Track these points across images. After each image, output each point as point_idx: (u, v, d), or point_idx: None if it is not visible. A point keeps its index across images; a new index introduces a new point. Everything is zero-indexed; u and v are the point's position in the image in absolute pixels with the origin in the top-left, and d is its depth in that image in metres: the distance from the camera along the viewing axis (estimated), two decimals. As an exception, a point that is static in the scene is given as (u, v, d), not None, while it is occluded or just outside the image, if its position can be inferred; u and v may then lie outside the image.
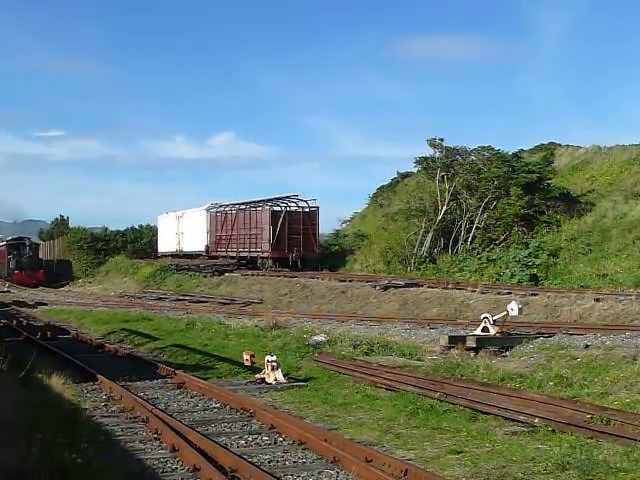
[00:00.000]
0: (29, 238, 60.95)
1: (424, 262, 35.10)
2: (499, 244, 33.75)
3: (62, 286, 54.31)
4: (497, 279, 28.55)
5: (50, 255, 62.44)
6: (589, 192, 37.62)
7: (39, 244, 62.95)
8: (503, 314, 15.75)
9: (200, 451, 8.35)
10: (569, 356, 13.43)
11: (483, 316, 16.21)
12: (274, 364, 13.32)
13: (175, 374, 13.94)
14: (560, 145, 48.96)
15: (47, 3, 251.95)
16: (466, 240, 35.75)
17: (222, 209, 45.88)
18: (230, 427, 10.11)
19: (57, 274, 58.21)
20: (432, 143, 38.28)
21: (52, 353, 17.09)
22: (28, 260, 56.73)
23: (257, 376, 13.53)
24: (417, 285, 27.93)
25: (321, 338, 17.09)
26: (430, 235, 36.48)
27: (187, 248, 49.30)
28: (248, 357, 14.21)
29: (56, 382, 11.89)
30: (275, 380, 13.19)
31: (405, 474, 7.36)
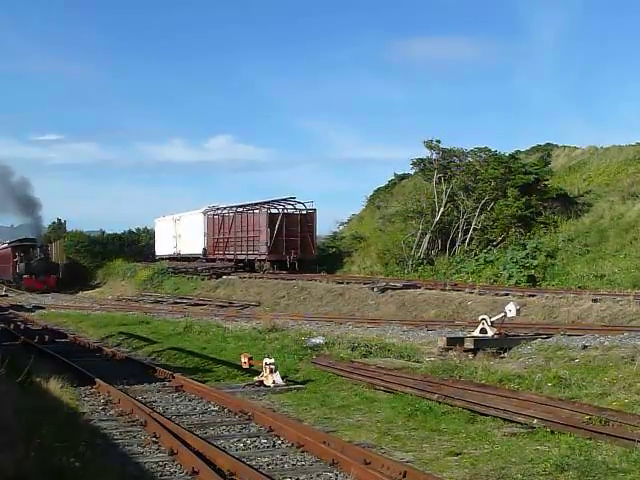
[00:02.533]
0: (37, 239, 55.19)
1: (421, 264, 35.10)
2: (496, 245, 33.76)
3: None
4: (495, 280, 28.57)
5: None
6: (586, 193, 37.64)
7: (49, 246, 56.54)
8: (501, 315, 15.75)
9: (198, 454, 8.34)
10: (567, 357, 13.45)
11: (481, 317, 16.22)
12: (272, 367, 13.31)
13: (173, 377, 13.92)
14: (557, 146, 48.95)
15: (43, 5, 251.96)
16: (463, 241, 35.77)
17: (219, 212, 45.87)
18: (228, 430, 10.10)
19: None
20: (429, 145, 38.31)
21: (50, 357, 17.07)
22: (39, 264, 51.33)
23: (255, 379, 13.52)
24: (415, 287, 27.94)
25: (319, 340, 17.09)
26: (427, 237, 36.51)
27: (185, 251, 49.28)
28: (246, 360, 14.19)
29: (54, 386, 11.86)
30: (273, 383, 13.18)
31: (404, 476, 7.35)
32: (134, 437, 9.66)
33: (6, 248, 57.19)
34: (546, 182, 36.87)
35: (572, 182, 40.16)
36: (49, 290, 49.12)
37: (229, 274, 40.69)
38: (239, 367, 14.65)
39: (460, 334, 17.23)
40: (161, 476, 7.92)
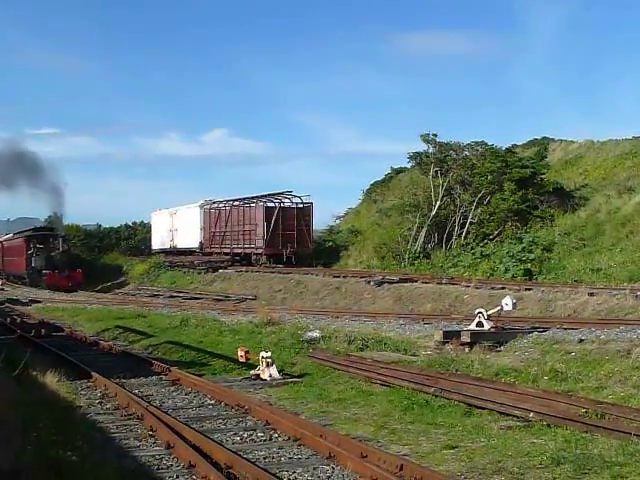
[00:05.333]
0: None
1: (418, 257, 35.10)
2: (493, 239, 33.78)
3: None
4: (491, 274, 28.59)
5: None
6: (582, 187, 37.68)
7: (67, 235, 47.66)
8: (497, 309, 15.76)
9: (195, 448, 8.34)
10: (563, 350, 13.46)
11: (477, 311, 16.23)
12: (269, 360, 13.31)
13: (170, 371, 13.92)
14: (553, 140, 48.97)
15: (40, 0, 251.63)
16: (460, 235, 35.76)
17: (216, 206, 45.80)
18: (225, 423, 10.11)
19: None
20: (425, 138, 38.25)
21: (46, 351, 17.04)
22: (63, 257, 43.35)
23: (252, 372, 13.52)
24: (411, 280, 27.97)
25: (315, 334, 17.09)
26: (424, 230, 36.49)
27: (181, 245, 49.20)
28: (243, 353, 14.21)
29: (51, 380, 11.85)
30: (270, 376, 13.18)
31: (400, 469, 7.37)
32: (131, 431, 9.66)
33: (17, 238, 48.76)
34: (542, 176, 36.88)
35: (568, 176, 40.19)
36: (76, 288, 41.77)
37: (225, 268, 40.71)
38: (236, 361, 14.65)
39: (456, 328, 17.23)
40: (158, 469, 7.92)
